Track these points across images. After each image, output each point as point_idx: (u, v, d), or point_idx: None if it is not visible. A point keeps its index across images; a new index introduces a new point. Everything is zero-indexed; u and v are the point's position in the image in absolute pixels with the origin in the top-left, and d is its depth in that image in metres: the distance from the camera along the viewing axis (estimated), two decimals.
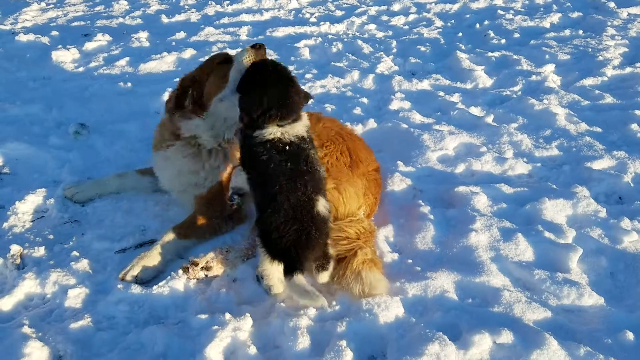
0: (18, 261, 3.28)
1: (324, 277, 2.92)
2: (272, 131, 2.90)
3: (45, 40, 7.77)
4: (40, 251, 3.37)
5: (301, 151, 2.94)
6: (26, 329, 2.72)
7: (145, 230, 3.62)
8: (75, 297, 3.00)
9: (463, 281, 3.08)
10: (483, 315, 2.82)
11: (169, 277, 3.10)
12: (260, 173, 2.91)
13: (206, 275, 3.15)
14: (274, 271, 2.85)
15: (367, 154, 3.80)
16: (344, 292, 2.99)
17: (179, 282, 3.06)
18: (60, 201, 3.89)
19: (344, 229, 3.20)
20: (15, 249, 3.35)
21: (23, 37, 7.76)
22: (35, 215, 3.77)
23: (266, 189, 2.87)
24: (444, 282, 3.04)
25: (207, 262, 3.16)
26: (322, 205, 2.89)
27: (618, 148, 4.57)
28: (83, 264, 3.23)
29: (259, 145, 2.89)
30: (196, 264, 3.14)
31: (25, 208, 3.78)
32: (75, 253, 3.34)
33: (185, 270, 3.13)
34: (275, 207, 2.81)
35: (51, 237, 3.55)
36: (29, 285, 3.07)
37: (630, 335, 2.69)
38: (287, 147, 2.89)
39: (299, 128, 2.99)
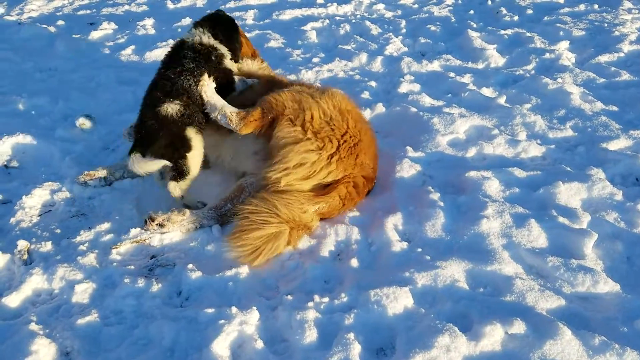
0: (25, 257, 3.28)
1: (170, 186, 3.52)
2: None
3: (51, 30, 7.71)
4: (47, 246, 3.36)
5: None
6: (33, 326, 2.71)
7: None
8: (83, 292, 2.99)
9: (474, 270, 3.01)
10: (494, 305, 2.75)
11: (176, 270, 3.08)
12: None
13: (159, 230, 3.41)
14: None
15: (371, 159, 3.70)
16: (352, 284, 2.95)
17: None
18: (68, 194, 3.88)
19: (278, 208, 3.24)
20: (22, 244, 3.33)
21: (29, 28, 7.71)
22: (43, 209, 3.76)
23: None
24: (455, 271, 2.98)
25: (162, 219, 3.40)
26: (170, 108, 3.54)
27: (635, 127, 4.44)
28: (90, 259, 3.23)
29: None
30: (153, 220, 3.39)
31: (32, 202, 3.77)
32: (82, 247, 3.33)
33: (144, 222, 3.40)
34: None
35: (58, 231, 3.54)
36: (36, 281, 3.06)
37: None
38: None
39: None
